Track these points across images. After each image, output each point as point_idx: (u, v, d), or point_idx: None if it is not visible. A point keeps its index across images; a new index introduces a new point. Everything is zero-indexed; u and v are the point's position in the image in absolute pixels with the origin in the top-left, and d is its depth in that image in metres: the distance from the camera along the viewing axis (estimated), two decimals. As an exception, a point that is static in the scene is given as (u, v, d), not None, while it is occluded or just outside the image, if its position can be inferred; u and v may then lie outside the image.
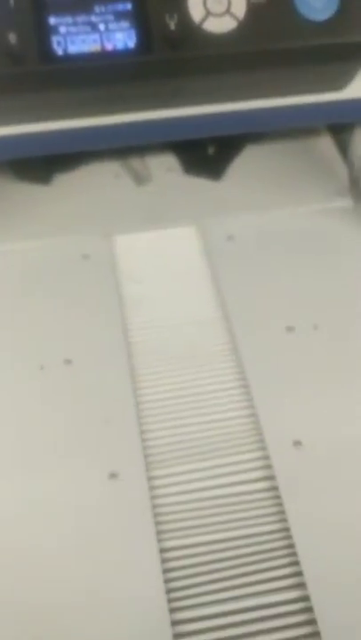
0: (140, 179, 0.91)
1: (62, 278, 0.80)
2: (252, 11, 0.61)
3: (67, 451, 0.65)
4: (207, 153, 0.94)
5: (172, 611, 0.56)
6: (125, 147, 0.91)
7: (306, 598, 0.57)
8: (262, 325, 0.75)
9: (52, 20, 0.59)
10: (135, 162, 0.93)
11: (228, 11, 0.61)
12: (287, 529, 0.60)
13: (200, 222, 0.86)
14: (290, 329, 0.74)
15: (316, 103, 0.71)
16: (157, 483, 0.64)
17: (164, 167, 0.94)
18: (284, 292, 0.78)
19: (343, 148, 0.93)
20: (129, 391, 0.69)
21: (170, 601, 0.57)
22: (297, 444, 0.65)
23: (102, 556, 0.59)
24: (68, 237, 0.84)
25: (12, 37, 0.58)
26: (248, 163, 0.94)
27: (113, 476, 0.63)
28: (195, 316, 0.77)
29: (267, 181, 0.91)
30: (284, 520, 0.61)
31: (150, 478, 0.64)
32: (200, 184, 0.91)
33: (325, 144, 0.96)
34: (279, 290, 0.78)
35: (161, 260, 0.83)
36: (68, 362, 0.72)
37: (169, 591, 0.57)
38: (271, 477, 0.64)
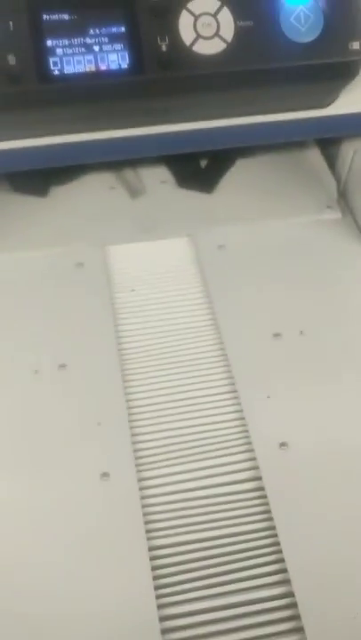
0: (134, 191, 0.94)
1: (58, 286, 0.82)
2: (240, 33, 0.64)
3: (60, 451, 0.67)
4: (200, 166, 0.97)
5: (161, 607, 0.58)
6: (120, 160, 0.94)
7: (290, 594, 0.59)
8: (250, 332, 0.77)
9: (49, 42, 0.62)
10: (130, 175, 0.95)
11: (217, 33, 0.64)
12: (273, 527, 0.62)
13: (192, 233, 0.88)
14: (277, 335, 0.77)
15: (302, 119, 0.73)
16: (147, 483, 0.66)
17: (158, 180, 0.96)
18: (271, 299, 0.80)
19: (331, 162, 0.96)
20: (120, 395, 0.71)
21: (158, 597, 0.59)
22: (283, 445, 0.67)
23: (92, 552, 0.61)
24: (63, 247, 0.86)
25: (11, 59, 0.61)
26: (239, 176, 0.96)
27: (104, 475, 0.65)
28: (185, 322, 0.80)
29: (257, 194, 0.94)
30: (270, 519, 0.63)
31: (140, 479, 0.66)
32: (192, 196, 0.94)
33: (314, 157, 0.99)
34: (267, 298, 0.80)
35: (153, 269, 0.85)
36: (62, 366, 0.74)
37: (157, 587, 0.59)
38: (258, 478, 0.66)
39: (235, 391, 0.72)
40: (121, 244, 0.87)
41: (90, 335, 0.77)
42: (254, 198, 0.93)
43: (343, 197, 0.93)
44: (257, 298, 0.80)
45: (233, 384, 0.73)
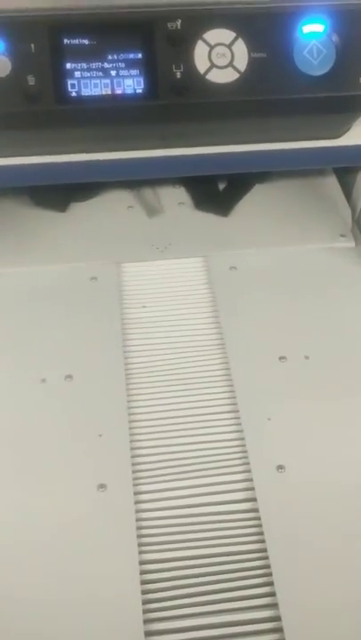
0: (151, 211, 0.95)
1: (70, 299, 0.84)
2: (253, 64, 0.66)
3: (59, 459, 0.69)
4: (217, 190, 0.98)
5: (147, 621, 0.58)
6: (139, 180, 0.96)
7: (277, 618, 0.58)
8: (256, 354, 0.78)
9: (68, 65, 0.64)
10: (148, 194, 0.97)
11: (230, 63, 0.66)
12: (264, 550, 0.62)
13: (206, 255, 0.89)
14: (282, 358, 0.77)
15: (313, 148, 0.74)
16: (143, 497, 0.66)
17: (176, 201, 0.98)
18: (279, 323, 0.81)
19: (348, 191, 0.97)
20: (123, 408, 0.73)
21: (145, 612, 0.59)
22: (280, 468, 0.68)
23: (84, 562, 0.62)
24: (78, 263, 0.88)
25: (31, 79, 0.63)
26: (256, 201, 0.97)
27: (101, 487, 0.66)
28: (193, 341, 0.80)
29: (272, 219, 0.94)
30: (262, 541, 0.63)
31: (136, 492, 0.66)
32: (208, 218, 0.95)
33: (332, 186, 0.99)
34: (275, 321, 0.81)
35: (166, 288, 0.86)
36: (68, 377, 0.76)
37: (145, 602, 0.60)
38: (253, 499, 0.66)
39: (236, 411, 0.73)
40: (135, 261, 0.89)
41: (98, 348, 0.78)
42: (269, 223, 0.94)
43: (358, 226, 0.94)
44: (265, 321, 0.81)
45: (235, 404, 0.73)
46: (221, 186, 0.99)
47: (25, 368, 0.76)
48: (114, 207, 0.96)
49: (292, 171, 0.97)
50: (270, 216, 0.95)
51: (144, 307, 0.84)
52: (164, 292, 0.86)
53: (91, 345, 0.79)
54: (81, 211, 0.96)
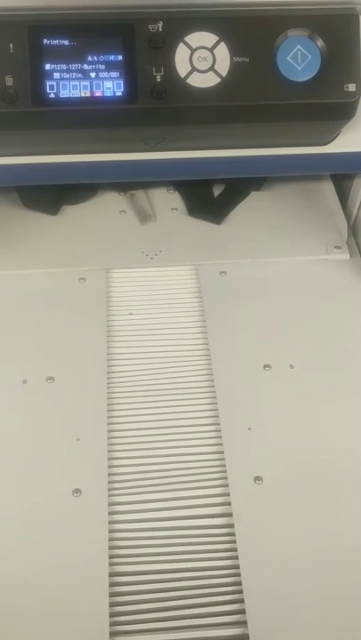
0: (144, 216, 0.94)
1: (58, 302, 0.83)
2: (235, 69, 0.65)
3: (35, 459, 0.69)
4: (212, 196, 0.97)
5: (113, 634, 0.58)
6: (133, 184, 0.96)
7: (245, 637, 0.58)
8: (240, 365, 0.77)
9: (47, 66, 0.63)
10: (142, 200, 0.96)
11: (212, 67, 0.64)
12: (237, 566, 0.62)
13: (196, 263, 0.88)
14: (267, 367, 0.77)
15: (299, 155, 0.73)
16: (117, 509, 0.66)
17: (169, 206, 0.96)
18: (266, 335, 0.80)
19: (344, 199, 0.95)
20: (103, 413, 0.72)
21: (112, 624, 0.58)
22: (257, 479, 0.67)
23: (52, 570, 0.61)
24: (66, 268, 0.87)
25: (9, 80, 0.62)
26: (250, 209, 0.96)
27: (76, 491, 0.66)
28: (177, 350, 0.80)
29: (267, 228, 0.93)
30: (235, 557, 0.62)
31: (111, 504, 0.66)
32: (201, 226, 0.94)
33: (329, 196, 0.98)
34: (262, 333, 0.80)
35: (154, 296, 0.85)
36: (50, 378, 0.75)
37: (113, 615, 0.59)
38: (229, 514, 0.65)
39: (217, 424, 0.72)
40: (124, 268, 0.88)
41: (82, 352, 0.78)
42: (263, 232, 0.92)
43: (352, 237, 0.92)
44: (252, 331, 0.80)
45: (217, 416, 0.73)
46: (217, 192, 0.97)
47: (7, 368, 0.76)
48: (106, 211, 0.95)
49: (289, 177, 0.95)
50: (265, 225, 0.94)
51: (131, 314, 0.83)
52: (153, 300, 0.85)
53: (74, 348, 0.78)
54: (72, 214, 0.95)
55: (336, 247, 0.91)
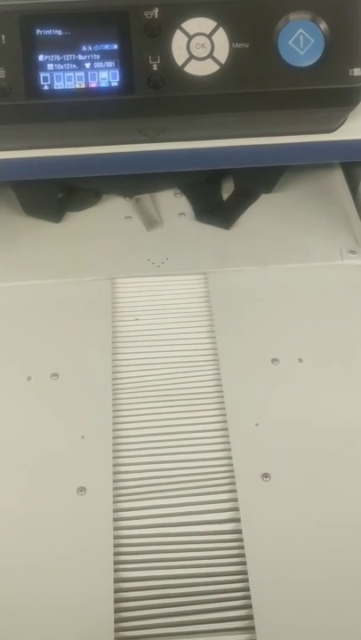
0: (150, 222, 0.92)
1: (63, 307, 0.81)
2: (234, 55, 0.63)
3: (40, 457, 0.67)
4: (221, 200, 0.94)
5: None
6: (138, 187, 0.94)
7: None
8: (248, 368, 0.75)
9: (41, 57, 0.62)
10: (148, 205, 0.94)
11: (210, 54, 0.62)
12: (245, 572, 0.60)
13: (204, 270, 0.86)
14: (274, 362, 0.75)
15: (305, 143, 0.71)
16: (122, 514, 0.64)
17: (177, 211, 0.94)
18: (273, 337, 0.78)
19: (359, 199, 0.93)
20: (108, 415, 0.71)
21: (117, 630, 0.57)
22: (265, 476, 0.66)
23: (57, 573, 0.60)
24: (71, 277, 0.84)
25: (1, 72, 0.61)
26: (260, 212, 0.93)
27: (81, 490, 0.65)
28: (185, 356, 0.77)
29: (278, 233, 0.90)
30: (243, 563, 0.60)
31: (116, 502, 0.64)
32: (209, 231, 0.91)
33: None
34: (269, 334, 0.78)
35: (160, 302, 0.83)
36: (54, 375, 0.74)
37: (117, 621, 0.57)
38: (237, 520, 0.63)
39: (225, 429, 0.70)
40: (130, 277, 0.85)
41: (86, 351, 0.76)
42: (274, 238, 0.89)
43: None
44: (263, 339, 0.78)
45: (225, 421, 0.70)
46: (226, 195, 0.95)
47: (12, 364, 0.75)
48: (111, 217, 0.93)
49: (300, 179, 0.93)
50: (276, 229, 0.91)
51: (137, 319, 0.81)
52: (159, 306, 0.83)
53: (79, 349, 0.77)
54: (76, 221, 0.92)
55: (351, 252, 0.87)
